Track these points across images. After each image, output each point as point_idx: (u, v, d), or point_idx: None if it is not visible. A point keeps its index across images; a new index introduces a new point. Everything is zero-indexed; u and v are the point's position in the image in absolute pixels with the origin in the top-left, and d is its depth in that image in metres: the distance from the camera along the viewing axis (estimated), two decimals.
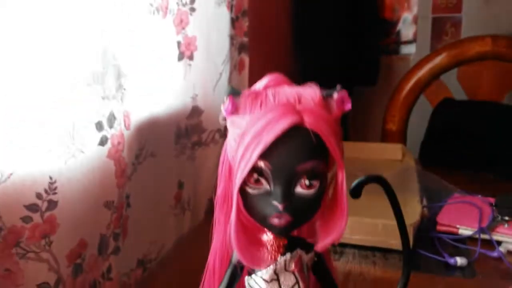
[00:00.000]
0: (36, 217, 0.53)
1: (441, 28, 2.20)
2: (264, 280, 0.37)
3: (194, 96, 0.89)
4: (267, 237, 0.39)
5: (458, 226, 0.88)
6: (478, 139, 1.25)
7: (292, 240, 0.39)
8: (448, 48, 1.38)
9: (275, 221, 0.36)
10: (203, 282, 0.45)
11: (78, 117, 0.58)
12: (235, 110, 0.37)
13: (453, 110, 1.33)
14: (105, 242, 0.65)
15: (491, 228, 0.85)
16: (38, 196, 0.53)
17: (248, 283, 0.38)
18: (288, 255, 0.38)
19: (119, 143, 0.66)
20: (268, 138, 0.34)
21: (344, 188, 0.37)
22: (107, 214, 0.65)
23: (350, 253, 0.83)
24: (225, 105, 0.37)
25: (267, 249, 0.38)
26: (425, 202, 0.97)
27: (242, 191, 0.37)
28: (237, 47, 1.01)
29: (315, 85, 0.38)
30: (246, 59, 1.05)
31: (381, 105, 1.63)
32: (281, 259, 0.38)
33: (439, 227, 0.89)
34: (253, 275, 0.38)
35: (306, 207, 0.36)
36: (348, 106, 0.37)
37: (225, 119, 0.39)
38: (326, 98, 0.37)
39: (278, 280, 0.37)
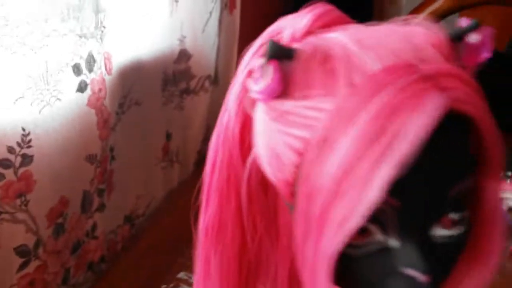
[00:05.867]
0: (9, 174, 0.46)
1: None
2: None
3: (182, 38, 0.81)
4: None
5: None
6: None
7: None
8: None
9: None
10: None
11: (52, 58, 0.50)
12: (283, 88, 0.21)
13: None
14: (88, 199, 0.59)
15: None
16: (10, 150, 0.46)
17: None
18: None
19: (100, 89, 0.59)
20: (403, 149, 0.18)
21: (501, 210, 0.22)
22: (90, 169, 0.59)
23: None
24: (264, 79, 0.20)
25: None
26: None
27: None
28: None
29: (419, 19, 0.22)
30: None
31: None
32: None
33: None
34: None
35: (451, 259, 0.22)
36: (487, 53, 0.21)
37: (255, 102, 0.23)
38: (455, 42, 0.21)
39: None
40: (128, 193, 0.72)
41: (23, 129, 0.47)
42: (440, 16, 1.29)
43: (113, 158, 0.66)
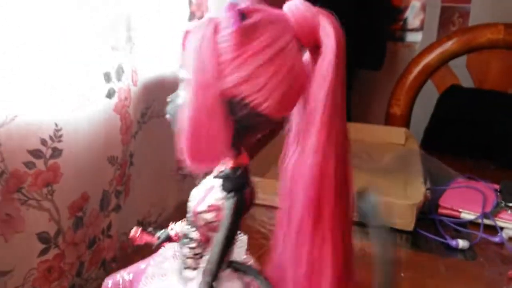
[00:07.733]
0: (40, 163, 0.51)
1: (449, 17, 2.17)
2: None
3: None
4: None
5: (460, 210, 0.87)
6: (483, 128, 1.24)
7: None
8: (460, 33, 1.36)
9: None
10: None
11: (87, 64, 0.55)
12: None
13: (460, 98, 1.31)
14: (107, 198, 0.63)
15: (494, 213, 0.85)
16: (43, 142, 0.51)
17: None
18: (207, 179, 0.35)
19: (126, 98, 0.64)
20: None
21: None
22: (111, 170, 0.63)
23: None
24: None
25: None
26: (428, 184, 0.96)
27: None
28: None
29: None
30: None
31: (383, 90, 1.60)
32: (203, 180, 0.35)
33: (441, 210, 0.88)
34: None
35: None
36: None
37: None
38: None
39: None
40: (143, 199, 0.75)
41: (56, 125, 0.52)
42: (449, 57, 1.35)
43: (131, 163, 0.70)
